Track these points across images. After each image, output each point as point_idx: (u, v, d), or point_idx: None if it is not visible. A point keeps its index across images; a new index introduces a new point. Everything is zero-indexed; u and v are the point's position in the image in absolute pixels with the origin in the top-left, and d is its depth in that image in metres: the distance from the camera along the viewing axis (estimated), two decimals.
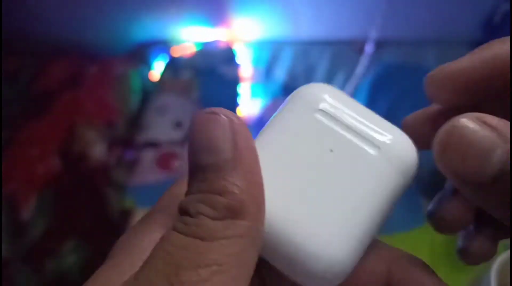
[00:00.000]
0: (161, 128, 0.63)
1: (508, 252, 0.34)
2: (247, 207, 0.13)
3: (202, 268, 0.12)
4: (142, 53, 0.71)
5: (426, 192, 0.54)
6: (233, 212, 0.13)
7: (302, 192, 0.15)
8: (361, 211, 0.15)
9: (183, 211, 0.14)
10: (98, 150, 0.58)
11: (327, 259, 0.14)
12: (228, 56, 0.71)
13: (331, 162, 0.15)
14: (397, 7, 0.61)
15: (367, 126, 0.15)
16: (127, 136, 0.62)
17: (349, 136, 0.15)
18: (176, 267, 0.12)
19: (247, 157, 0.14)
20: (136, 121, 0.64)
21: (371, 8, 0.63)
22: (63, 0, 0.65)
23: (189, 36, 0.72)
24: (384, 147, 0.15)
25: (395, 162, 0.15)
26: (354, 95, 0.63)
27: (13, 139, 0.58)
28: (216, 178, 0.13)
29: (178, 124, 0.63)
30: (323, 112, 0.15)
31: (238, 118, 0.14)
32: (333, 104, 0.16)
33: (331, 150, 0.15)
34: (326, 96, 0.16)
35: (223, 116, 0.14)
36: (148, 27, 0.71)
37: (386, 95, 0.63)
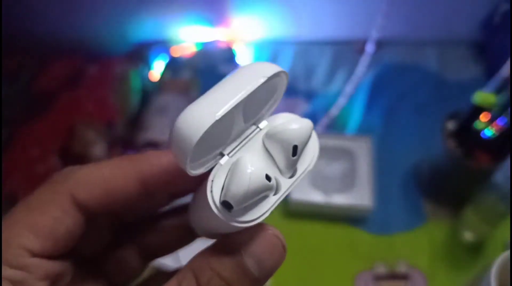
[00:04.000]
0: (161, 128, 0.63)
1: (508, 252, 0.34)
2: None
3: None
4: (142, 53, 0.71)
5: (426, 192, 0.54)
6: None
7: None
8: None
9: None
10: (98, 150, 0.58)
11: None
12: (228, 56, 0.71)
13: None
14: (397, 8, 0.61)
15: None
16: (127, 136, 0.62)
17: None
18: None
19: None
20: (136, 121, 0.64)
21: (371, 8, 0.63)
22: (63, 0, 0.65)
23: (189, 36, 0.72)
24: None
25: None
26: (354, 95, 0.63)
27: (13, 139, 0.58)
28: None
29: None
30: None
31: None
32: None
33: None
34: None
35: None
36: (148, 27, 0.71)
37: (386, 95, 0.63)
